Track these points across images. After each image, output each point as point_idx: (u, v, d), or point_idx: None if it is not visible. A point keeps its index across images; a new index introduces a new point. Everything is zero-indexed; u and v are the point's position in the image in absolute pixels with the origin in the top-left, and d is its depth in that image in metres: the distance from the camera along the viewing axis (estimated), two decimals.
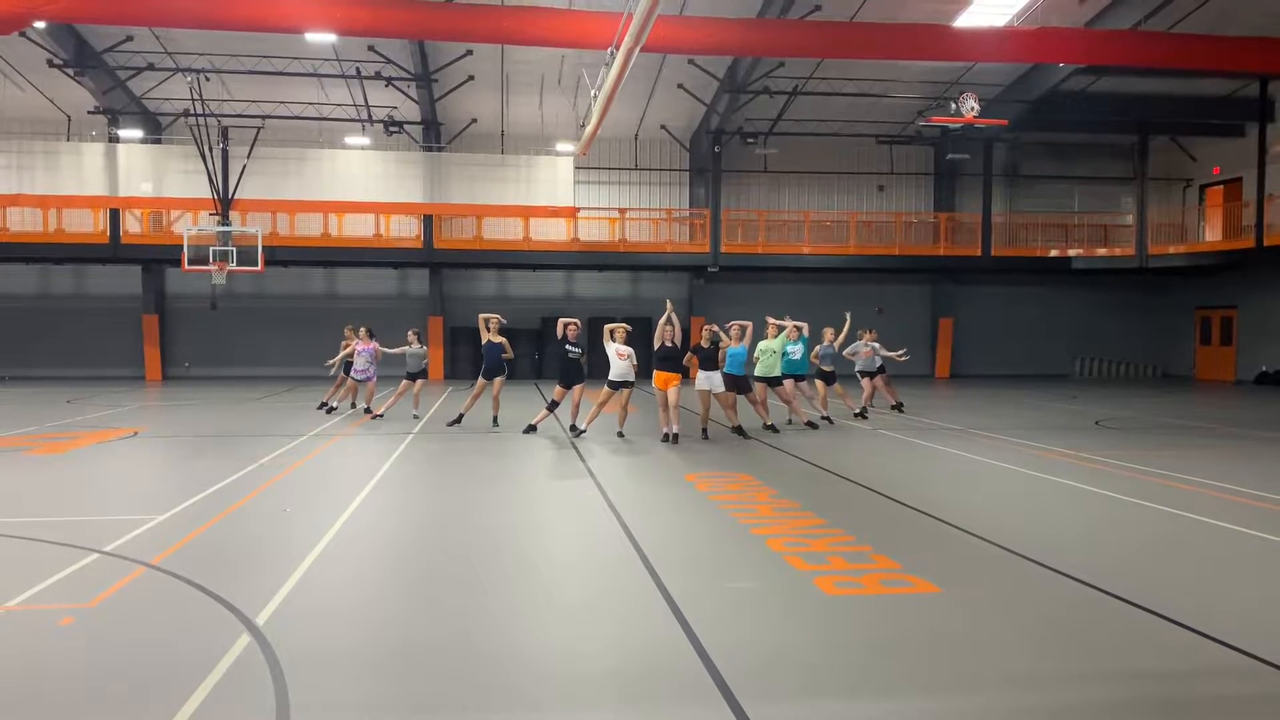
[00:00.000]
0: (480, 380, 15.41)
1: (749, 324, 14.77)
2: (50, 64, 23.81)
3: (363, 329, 17.55)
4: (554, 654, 5.07)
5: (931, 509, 8.87)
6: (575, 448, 13.10)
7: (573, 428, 14.28)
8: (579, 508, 9.12)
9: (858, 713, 4.36)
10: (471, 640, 5.26)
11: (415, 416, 16.69)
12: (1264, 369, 28.17)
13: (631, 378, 14.08)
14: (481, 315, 15.68)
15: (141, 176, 24.58)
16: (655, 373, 13.99)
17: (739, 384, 14.46)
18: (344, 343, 17.95)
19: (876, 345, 18.05)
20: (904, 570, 6.65)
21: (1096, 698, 4.46)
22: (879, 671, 4.83)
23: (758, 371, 15.32)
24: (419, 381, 16.89)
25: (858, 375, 17.99)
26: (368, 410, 17.26)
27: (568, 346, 14.43)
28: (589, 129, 20.97)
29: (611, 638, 5.35)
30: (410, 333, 17.22)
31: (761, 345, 15.32)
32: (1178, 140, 30.80)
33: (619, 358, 13.95)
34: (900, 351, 18.30)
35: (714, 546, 7.53)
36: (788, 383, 15.38)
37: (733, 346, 14.46)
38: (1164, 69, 23.09)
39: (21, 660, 4.94)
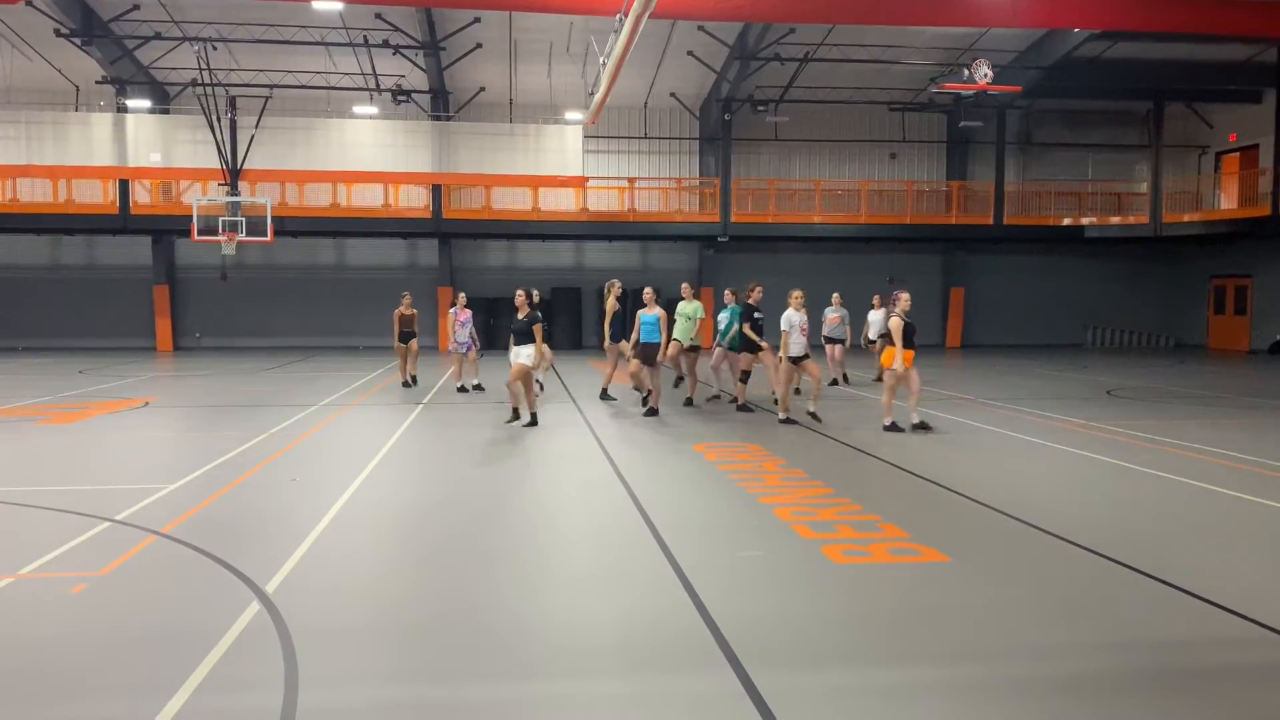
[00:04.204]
0: (621, 346, 14.49)
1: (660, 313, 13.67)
2: (57, 33, 23.70)
3: (461, 295, 16.45)
4: (563, 624, 5.08)
5: (940, 479, 8.85)
6: (584, 418, 13.11)
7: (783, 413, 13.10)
8: (588, 478, 9.13)
9: (865, 681, 4.37)
10: (480, 610, 5.28)
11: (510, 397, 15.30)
12: (1278, 338, 27.96)
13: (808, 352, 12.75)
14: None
15: (150, 147, 24.51)
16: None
17: (646, 353, 13.51)
18: (397, 311, 16.92)
19: (846, 313, 17.73)
20: (912, 539, 6.64)
21: (1105, 668, 4.46)
22: (886, 640, 4.83)
23: (675, 336, 14.13)
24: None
25: (824, 341, 17.76)
26: (463, 388, 16.09)
27: (756, 314, 13.28)
28: (598, 97, 20.81)
29: (620, 607, 5.36)
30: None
31: (679, 308, 14.32)
32: (1193, 107, 30.42)
33: (802, 333, 12.56)
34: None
35: (722, 516, 7.54)
36: (718, 352, 14.46)
37: (646, 313, 13.57)
38: (1180, 34, 22.74)
39: (35, 627, 4.98)
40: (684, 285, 14.99)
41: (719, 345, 14.35)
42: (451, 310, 16.09)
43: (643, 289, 14.42)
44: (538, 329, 12.12)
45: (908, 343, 11.71)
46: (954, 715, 3.98)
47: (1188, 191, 30.21)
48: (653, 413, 13.27)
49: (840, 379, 17.64)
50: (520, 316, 12.24)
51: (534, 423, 12.19)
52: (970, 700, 4.12)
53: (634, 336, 13.73)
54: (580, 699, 4.20)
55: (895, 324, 11.75)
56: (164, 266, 29.26)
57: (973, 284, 31.77)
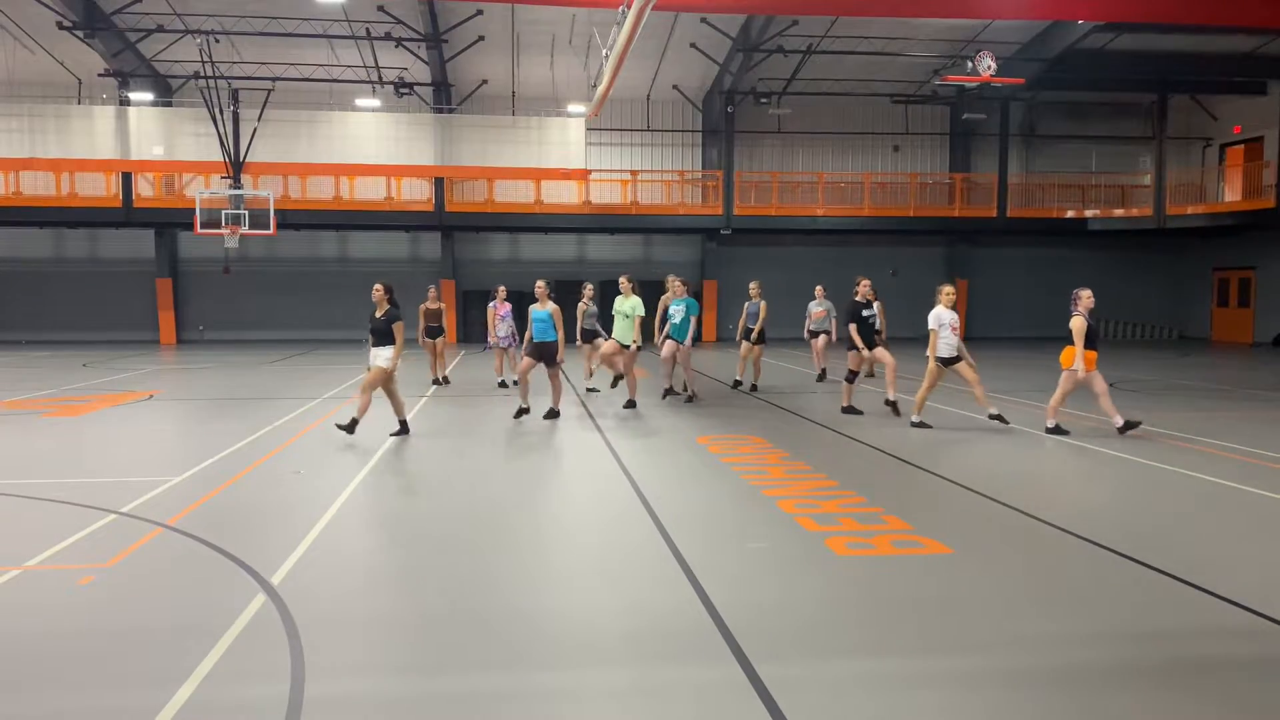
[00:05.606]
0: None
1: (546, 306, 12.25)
2: (60, 26, 23.70)
3: (501, 288, 15.92)
4: (568, 615, 5.10)
5: (942, 470, 8.86)
6: (588, 410, 13.12)
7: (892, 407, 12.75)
8: (591, 470, 9.15)
9: (868, 672, 4.38)
10: (485, 602, 5.30)
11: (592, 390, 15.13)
12: None
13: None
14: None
15: (153, 140, 24.53)
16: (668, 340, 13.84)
17: (542, 353, 12.11)
18: (423, 306, 16.15)
19: (830, 305, 17.38)
20: (915, 531, 6.66)
21: (1107, 658, 4.47)
22: (890, 632, 4.85)
23: (614, 336, 13.46)
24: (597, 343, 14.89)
25: (806, 335, 17.66)
26: (504, 383, 15.86)
27: (866, 313, 12.76)
28: (600, 90, 20.79)
29: (624, 599, 5.37)
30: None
31: (617, 304, 13.42)
32: (1198, 99, 30.35)
33: (954, 332, 11.47)
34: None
35: (726, 508, 7.55)
36: (680, 347, 13.96)
37: (537, 309, 12.15)
38: (1185, 25, 22.68)
39: (43, 619, 5.01)
40: (622, 279, 13.62)
41: (669, 337, 13.93)
42: (491, 304, 15.71)
43: (536, 282, 12.65)
44: (398, 327, 10.80)
45: (1091, 344, 10.84)
46: (958, 706, 4.00)
47: (1192, 184, 30.17)
48: (553, 414, 12.36)
49: (821, 374, 17.38)
50: (378, 314, 10.80)
51: (404, 430, 10.98)
52: (975, 690, 4.14)
53: (527, 334, 12.41)
54: (585, 691, 4.21)
55: (1078, 324, 10.81)
56: (167, 260, 29.30)
57: (976, 277, 31.75)
